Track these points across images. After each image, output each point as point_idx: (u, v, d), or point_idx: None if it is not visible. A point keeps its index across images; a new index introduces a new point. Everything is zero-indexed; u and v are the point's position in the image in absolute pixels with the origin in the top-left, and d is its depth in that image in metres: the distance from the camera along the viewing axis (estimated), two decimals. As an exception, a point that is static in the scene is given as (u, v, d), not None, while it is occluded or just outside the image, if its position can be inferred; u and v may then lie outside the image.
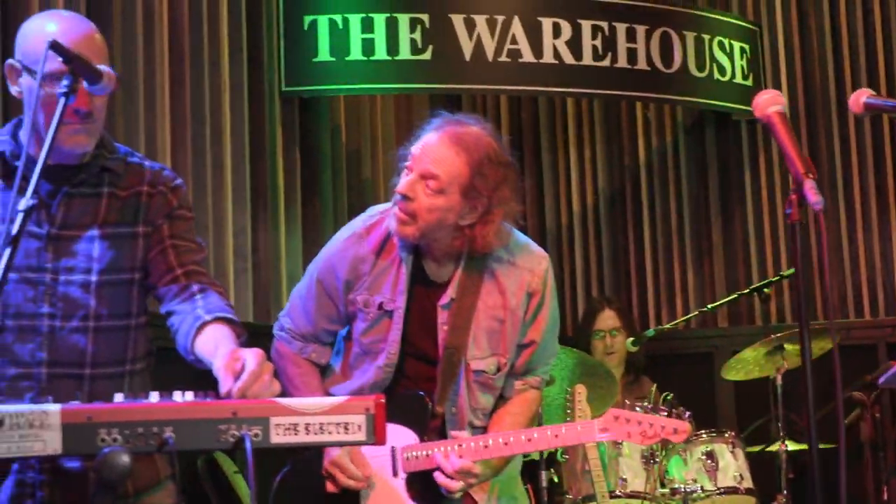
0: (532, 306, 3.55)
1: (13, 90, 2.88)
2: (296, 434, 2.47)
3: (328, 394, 3.56)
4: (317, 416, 2.47)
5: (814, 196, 2.73)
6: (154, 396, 2.49)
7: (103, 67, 2.73)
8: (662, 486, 5.38)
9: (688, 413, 5.33)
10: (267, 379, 2.54)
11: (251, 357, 2.54)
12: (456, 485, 3.39)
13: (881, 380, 2.66)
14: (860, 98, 2.94)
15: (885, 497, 5.96)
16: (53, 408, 2.40)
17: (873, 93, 2.93)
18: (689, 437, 3.50)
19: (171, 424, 2.42)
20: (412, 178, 3.38)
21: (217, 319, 2.79)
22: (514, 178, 3.49)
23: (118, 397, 2.51)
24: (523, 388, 3.64)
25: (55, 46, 2.62)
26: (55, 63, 2.65)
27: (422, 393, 3.52)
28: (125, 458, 2.35)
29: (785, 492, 5.61)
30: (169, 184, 2.98)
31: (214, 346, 2.70)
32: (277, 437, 2.45)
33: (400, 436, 3.50)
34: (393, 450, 3.51)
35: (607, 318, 6.25)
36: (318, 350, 3.64)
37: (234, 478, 5.48)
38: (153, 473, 2.90)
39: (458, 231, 3.44)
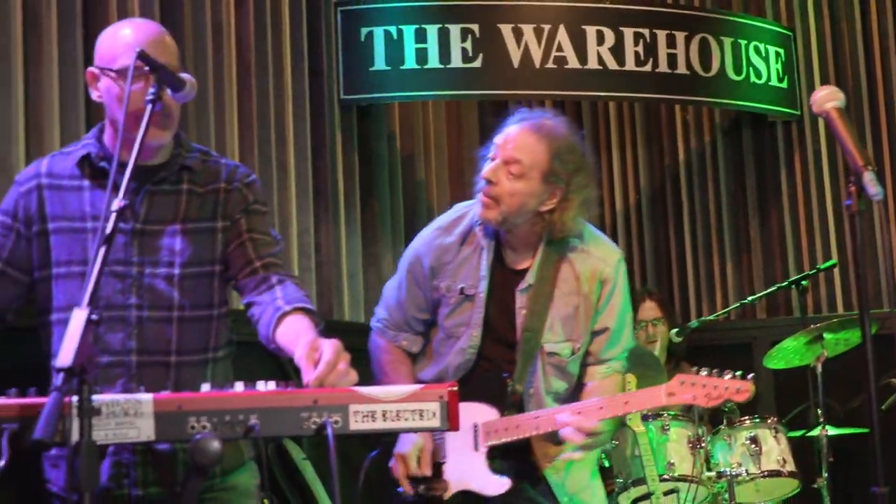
0: (604, 294, 3.58)
1: (94, 95, 2.89)
2: (373, 421, 2.47)
3: (417, 379, 3.61)
4: (393, 403, 2.47)
5: (873, 188, 2.71)
6: (239, 386, 2.51)
7: (186, 76, 2.74)
8: (708, 469, 5.35)
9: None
10: (343, 368, 2.53)
11: (328, 347, 2.54)
12: (578, 436, 3.40)
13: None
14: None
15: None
16: (146, 397, 2.43)
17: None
18: (749, 397, 3.52)
19: (256, 412, 2.44)
20: (496, 164, 3.48)
21: (296, 310, 2.80)
22: (591, 166, 3.58)
23: (205, 387, 2.53)
24: (607, 371, 3.66)
25: (142, 56, 2.63)
26: (131, 58, 2.66)
27: (505, 374, 3.56)
28: (216, 444, 2.37)
29: (825, 475, 5.57)
30: (244, 180, 2.99)
31: (295, 335, 2.70)
32: (356, 424, 2.46)
33: (481, 412, 3.52)
34: (475, 426, 3.52)
35: (648, 309, 6.22)
36: (409, 338, 3.69)
37: (302, 463, 5.49)
38: (238, 455, 2.92)
39: (537, 217, 3.51)
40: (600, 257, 3.59)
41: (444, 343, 3.62)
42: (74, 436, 2.24)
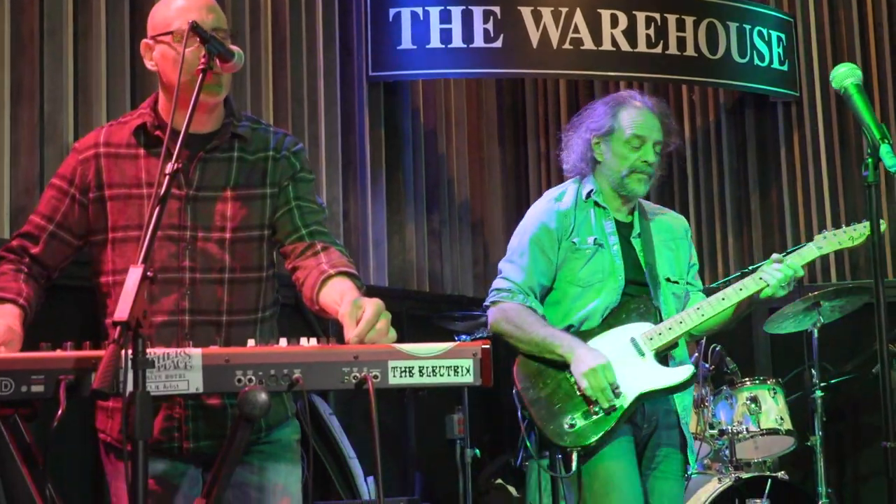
0: (689, 241, 4.03)
1: (149, 65, 2.84)
2: (411, 376, 2.43)
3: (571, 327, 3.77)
4: (430, 360, 2.43)
5: (890, 159, 2.66)
6: (283, 342, 2.47)
7: (234, 48, 2.68)
8: (711, 427, 5.33)
9: (733, 364, 5.25)
10: (382, 326, 2.49)
11: (370, 306, 2.50)
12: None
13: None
14: None
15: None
16: (195, 351, 2.39)
17: None
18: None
19: (300, 367, 2.40)
20: (647, 147, 3.78)
21: (340, 273, 2.75)
22: None
23: (251, 342, 2.49)
24: (701, 294, 3.97)
25: (195, 27, 2.58)
26: (183, 23, 2.63)
27: (649, 297, 3.81)
28: (264, 396, 2.33)
29: (820, 432, 5.54)
30: (291, 148, 2.93)
31: (339, 296, 2.66)
32: (395, 379, 2.43)
33: (634, 328, 3.73)
34: (632, 339, 3.70)
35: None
36: (534, 303, 3.79)
37: (329, 419, 5.48)
38: (283, 411, 2.87)
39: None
40: (677, 216, 4.06)
41: (584, 292, 3.79)
42: (129, 387, 2.20)
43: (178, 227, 2.78)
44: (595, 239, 3.80)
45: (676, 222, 4.01)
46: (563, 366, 3.67)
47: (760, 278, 3.70)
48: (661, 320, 3.75)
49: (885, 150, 2.69)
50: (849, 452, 6.48)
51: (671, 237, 3.94)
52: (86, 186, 2.82)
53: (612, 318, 3.73)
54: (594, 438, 3.58)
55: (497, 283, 3.86)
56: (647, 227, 3.89)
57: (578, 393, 3.63)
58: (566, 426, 3.63)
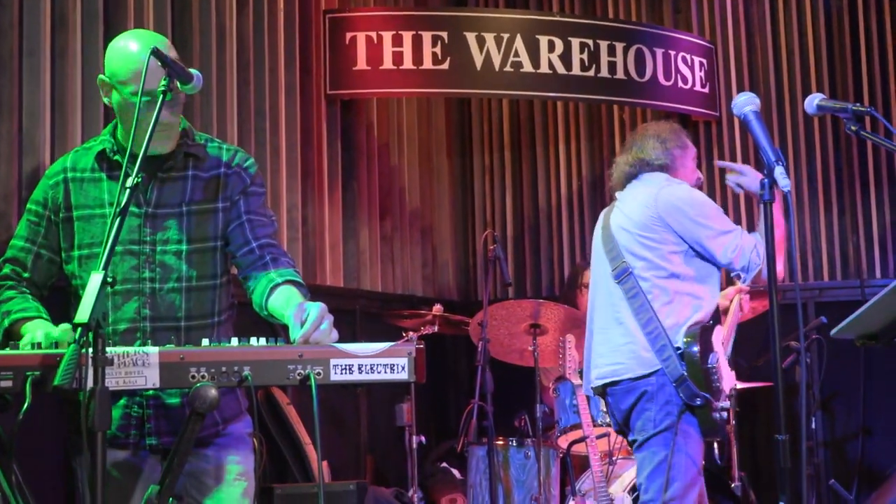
0: None
1: (105, 100, 2.82)
2: (351, 373, 2.45)
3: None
4: (368, 358, 2.45)
5: (783, 180, 2.72)
6: (234, 341, 2.48)
7: (193, 71, 2.68)
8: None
9: None
10: (326, 327, 2.50)
11: (314, 309, 2.51)
12: None
13: (833, 332, 2.63)
14: (814, 101, 2.91)
15: (813, 426, 5.98)
16: (153, 350, 2.40)
17: (825, 97, 2.91)
18: None
19: (249, 364, 2.41)
20: None
21: (287, 281, 2.76)
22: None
23: (205, 342, 2.49)
24: None
25: (156, 53, 2.57)
26: (152, 81, 2.60)
27: None
28: (213, 392, 2.34)
29: (733, 422, 5.59)
30: (243, 164, 2.92)
31: (285, 301, 2.67)
32: (336, 376, 2.44)
33: (719, 331, 3.93)
34: (722, 342, 3.89)
35: (589, 276, 6.20)
36: None
37: (287, 408, 5.47)
38: (236, 406, 2.88)
39: None
40: None
41: (704, 280, 3.92)
42: (90, 383, 2.20)
43: (139, 241, 2.78)
44: None
45: None
46: (710, 360, 3.76)
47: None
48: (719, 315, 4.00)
49: (778, 171, 2.74)
50: (760, 440, 6.56)
51: None
52: (57, 208, 2.83)
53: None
54: (723, 432, 3.86)
55: (740, 239, 3.79)
56: None
57: (716, 387, 3.76)
58: (717, 419, 3.74)
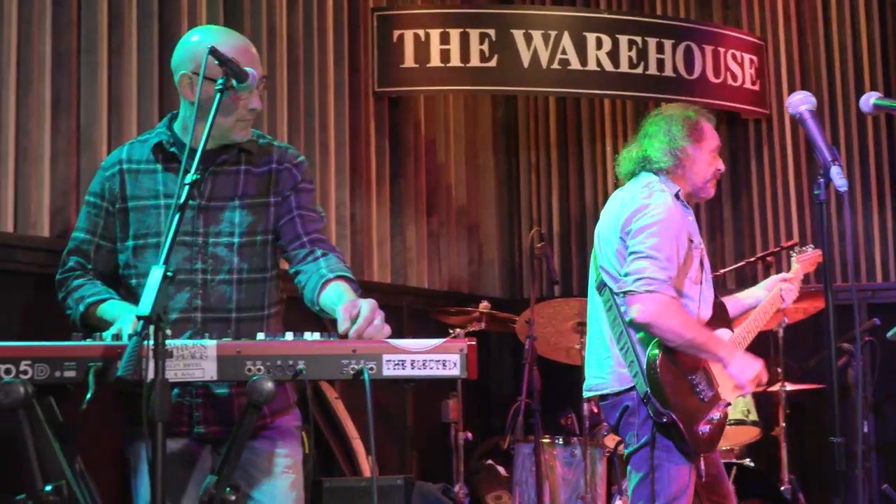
0: None
1: (190, 96, 2.81)
2: (403, 369, 2.49)
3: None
4: (420, 354, 2.48)
5: (839, 179, 2.71)
6: (289, 335, 2.52)
7: (249, 69, 2.72)
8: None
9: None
10: (378, 323, 2.54)
11: (366, 305, 2.55)
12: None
13: (889, 333, 2.62)
14: (870, 99, 2.89)
15: (865, 429, 5.92)
16: (211, 343, 2.45)
17: (881, 95, 2.88)
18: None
19: (304, 358, 2.46)
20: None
21: (338, 277, 2.81)
22: None
23: (260, 336, 2.54)
24: None
25: (213, 52, 2.63)
26: (215, 69, 2.64)
27: (721, 300, 3.81)
28: (270, 385, 2.38)
29: (783, 424, 5.58)
30: (294, 160, 2.97)
31: (337, 297, 2.71)
32: (388, 371, 2.48)
33: (724, 335, 3.72)
34: None
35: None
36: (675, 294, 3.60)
37: (335, 403, 5.53)
38: (284, 399, 2.93)
39: None
40: None
41: (693, 288, 3.66)
42: (150, 374, 2.26)
43: (192, 233, 2.84)
44: (700, 242, 3.74)
45: None
46: (688, 371, 3.54)
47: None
48: (729, 320, 3.81)
49: (835, 170, 2.73)
50: (810, 443, 6.52)
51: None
52: (113, 198, 2.90)
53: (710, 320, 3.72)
54: (716, 444, 3.58)
55: (656, 272, 3.50)
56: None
57: (704, 400, 3.56)
58: (700, 434, 3.52)
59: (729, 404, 3.63)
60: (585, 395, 3.83)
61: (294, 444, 2.94)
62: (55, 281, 2.93)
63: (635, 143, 3.84)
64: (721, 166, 3.81)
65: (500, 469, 6.20)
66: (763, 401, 5.74)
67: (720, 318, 3.75)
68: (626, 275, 3.55)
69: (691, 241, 3.64)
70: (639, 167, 3.77)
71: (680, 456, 3.52)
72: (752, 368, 3.58)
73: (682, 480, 3.52)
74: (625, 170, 3.83)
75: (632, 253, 3.56)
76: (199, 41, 2.81)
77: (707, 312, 3.70)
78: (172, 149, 2.87)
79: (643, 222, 3.56)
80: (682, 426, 3.47)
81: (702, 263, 3.71)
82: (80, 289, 2.85)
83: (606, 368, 3.66)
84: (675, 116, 3.77)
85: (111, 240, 2.91)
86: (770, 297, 3.95)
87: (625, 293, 3.54)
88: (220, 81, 2.62)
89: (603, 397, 3.69)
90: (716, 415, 3.56)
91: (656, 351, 3.50)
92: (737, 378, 3.57)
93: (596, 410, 5.15)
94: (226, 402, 2.81)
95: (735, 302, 4.02)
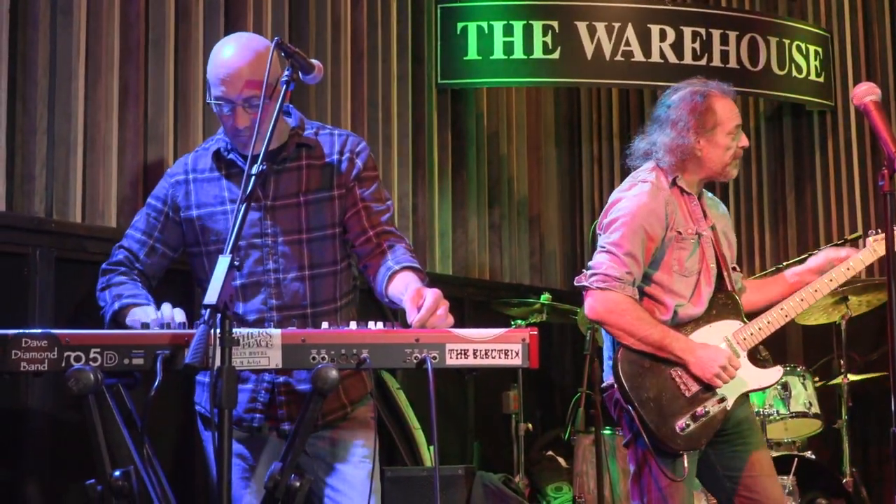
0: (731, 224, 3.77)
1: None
2: (465, 358, 2.48)
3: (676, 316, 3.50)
4: (483, 343, 2.48)
5: None
6: (353, 325, 2.53)
7: (315, 61, 2.73)
8: (744, 409, 5.29)
9: (766, 352, 5.14)
10: (442, 313, 2.54)
11: (430, 295, 2.56)
12: None
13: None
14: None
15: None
16: (276, 331, 2.47)
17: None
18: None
19: (368, 347, 2.46)
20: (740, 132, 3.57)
21: (404, 268, 2.81)
22: None
23: (324, 325, 2.56)
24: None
25: (279, 45, 2.63)
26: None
27: (733, 291, 3.58)
28: (334, 373, 2.39)
29: (845, 416, 5.50)
30: (354, 149, 2.96)
31: (403, 287, 2.72)
32: (451, 360, 2.48)
33: (727, 326, 3.51)
34: (726, 339, 3.49)
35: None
36: (634, 291, 3.46)
37: (396, 393, 5.54)
38: (362, 389, 2.94)
39: None
40: (719, 201, 3.75)
41: (680, 281, 3.48)
42: (217, 362, 2.28)
43: (261, 234, 2.86)
44: (696, 230, 3.52)
45: (723, 207, 3.75)
46: (664, 365, 3.41)
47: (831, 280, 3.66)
48: (741, 312, 3.54)
49: (900, 163, 2.67)
50: (872, 436, 6.42)
51: (726, 223, 3.69)
52: (177, 206, 2.94)
53: (706, 313, 3.51)
54: (705, 441, 3.39)
55: (609, 269, 3.43)
56: (710, 217, 3.62)
57: (687, 395, 3.40)
58: (678, 430, 3.36)
59: (724, 399, 3.41)
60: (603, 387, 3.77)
61: (370, 435, 2.94)
62: (99, 269, 2.95)
63: (648, 131, 3.68)
64: (744, 142, 3.55)
65: (561, 460, 6.18)
66: (826, 393, 5.66)
67: (727, 309, 3.53)
68: (587, 268, 3.52)
69: (679, 232, 3.48)
70: (643, 158, 3.66)
71: (661, 453, 3.38)
72: (712, 364, 3.37)
73: (664, 480, 3.38)
74: (633, 164, 3.72)
75: (599, 246, 3.52)
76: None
77: (699, 307, 3.51)
78: (230, 155, 2.89)
79: (612, 216, 3.51)
80: (647, 420, 3.35)
81: (702, 255, 3.53)
82: (121, 286, 2.87)
83: (607, 361, 3.60)
84: (684, 104, 3.54)
85: (167, 245, 2.95)
86: (864, 253, 3.75)
87: (584, 288, 3.49)
88: (286, 73, 2.63)
89: (603, 390, 3.65)
90: (704, 410, 3.40)
91: (619, 344, 3.45)
92: (701, 375, 3.39)
93: None
94: (301, 397, 2.81)
95: (771, 286, 3.79)
